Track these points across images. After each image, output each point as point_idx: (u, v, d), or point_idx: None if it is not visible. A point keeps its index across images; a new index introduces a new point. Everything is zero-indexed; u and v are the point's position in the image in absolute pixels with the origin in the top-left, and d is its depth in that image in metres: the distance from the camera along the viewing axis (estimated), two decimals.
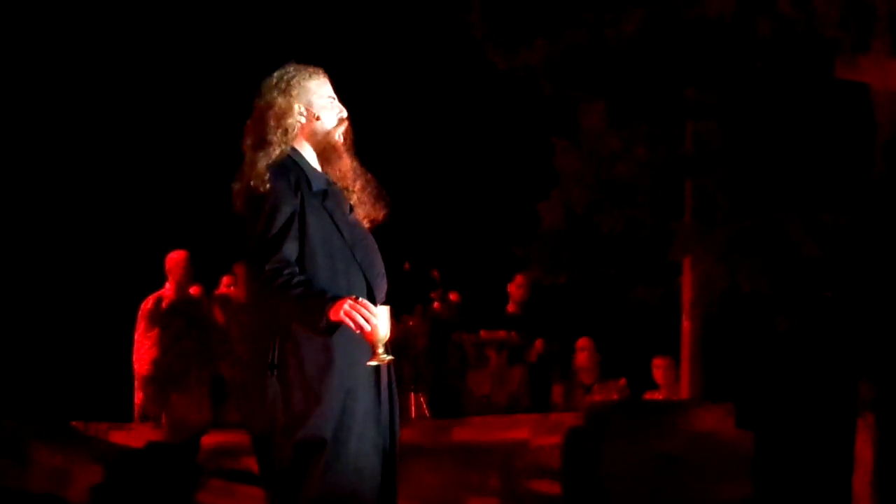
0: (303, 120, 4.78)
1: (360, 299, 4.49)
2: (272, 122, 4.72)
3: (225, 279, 12.01)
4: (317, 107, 4.79)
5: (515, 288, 12.38)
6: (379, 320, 4.47)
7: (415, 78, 15.71)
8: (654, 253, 12.21)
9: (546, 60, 11.82)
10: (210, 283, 11.93)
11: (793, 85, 11.63)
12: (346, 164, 4.84)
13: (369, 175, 4.90)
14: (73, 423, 9.76)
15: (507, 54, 12.04)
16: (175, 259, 11.31)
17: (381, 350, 4.50)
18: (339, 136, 4.83)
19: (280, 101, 4.74)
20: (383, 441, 4.70)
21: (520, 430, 9.18)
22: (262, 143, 4.71)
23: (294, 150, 4.77)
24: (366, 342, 4.51)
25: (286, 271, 4.53)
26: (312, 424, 4.53)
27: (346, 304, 4.45)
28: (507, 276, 12.45)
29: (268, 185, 4.60)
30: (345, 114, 4.85)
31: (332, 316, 4.46)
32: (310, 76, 4.81)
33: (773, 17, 11.18)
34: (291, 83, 4.76)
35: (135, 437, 9.85)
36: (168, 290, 11.28)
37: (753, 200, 11.54)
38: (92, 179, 15.42)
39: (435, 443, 9.36)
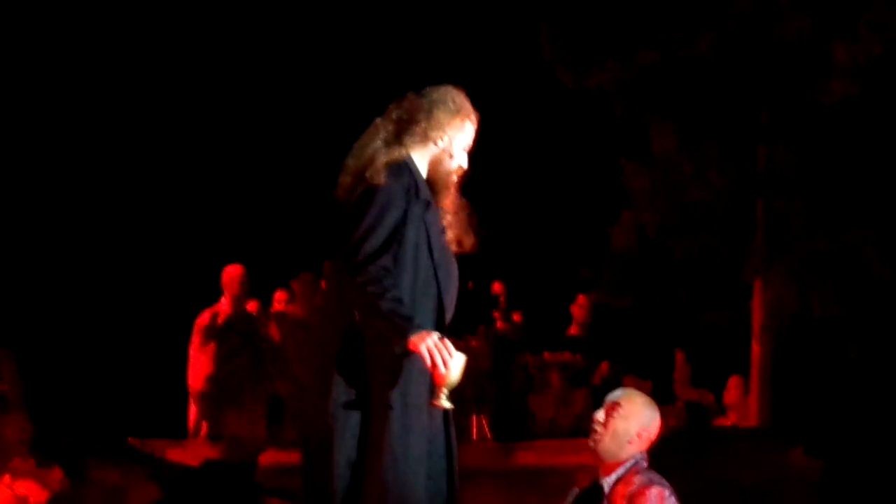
0: (442, 145, 4.81)
1: (445, 339, 4.43)
2: (416, 126, 4.76)
3: (278, 294, 11.91)
4: (456, 147, 4.86)
5: (578, 309, 12.36)
6: (454, 365, 4.42)
7: (486, 97, 15.63)
8: (724, 275, 12.18)
9: (618, 81, 11.86)
10: (266, 299, 11.88)
11: (867, 107, 11.54)
12: (449, 196, 4.90)
13: (464, 201, 4.94)
14: (130, 439, 9.69)
15: (578, 75, 12.04)
16: (231, 274, 11.23)
17: (444, 394, 4.47)
18: (454, 177, 4.88)
19: (440, 115, 4.78)
20: (440, 465, 4.66)
21: (583, 454, 9.00)
22: (396, 137, 4.74)
23: (410, 156, 4.77)
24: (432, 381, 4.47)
25: (386, 281, 4.48)
26: (372, 447, 4.49)
27: (432, 340, 4.39)
28: (571, 298, 12.37)
29: (384, 182, 4.59)
30: (466, 166, 4.89)
31: (412, 345, 4.41)
32: (471, 119, 4.88)
33: (849, 39, 11.10)
34: (460, 112, 4.84)
35: (191, 454, 9.79)
36: (224, 304, 11.20)
37: (826, 222, 11.53)
38: (150, 195, 15.47)
39: (497, 465, 9.31)
